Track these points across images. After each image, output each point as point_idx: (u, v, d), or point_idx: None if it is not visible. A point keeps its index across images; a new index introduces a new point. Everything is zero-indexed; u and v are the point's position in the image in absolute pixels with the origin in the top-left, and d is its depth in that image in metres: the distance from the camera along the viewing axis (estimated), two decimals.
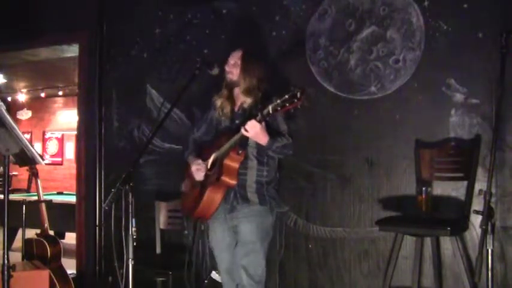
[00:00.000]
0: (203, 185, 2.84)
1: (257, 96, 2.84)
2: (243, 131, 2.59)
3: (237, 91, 2.93)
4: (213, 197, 2.77)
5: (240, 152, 2.73)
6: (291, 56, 3.46)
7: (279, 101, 2.44)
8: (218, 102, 2.96)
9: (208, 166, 2.85)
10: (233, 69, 2.90)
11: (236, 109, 2.93)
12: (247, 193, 2.81)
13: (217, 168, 2.76)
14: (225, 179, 2.72)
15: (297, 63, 3.43)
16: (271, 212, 2.86)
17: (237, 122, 2.87)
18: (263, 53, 3.47)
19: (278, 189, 2.94)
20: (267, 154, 2.80)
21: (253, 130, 2.58)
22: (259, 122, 2.56)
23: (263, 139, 2.66)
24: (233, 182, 2.74)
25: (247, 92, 2.85)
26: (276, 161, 2.90)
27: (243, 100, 2.89)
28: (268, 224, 2.85)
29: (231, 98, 2.94)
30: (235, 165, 2.73)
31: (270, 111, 2.50)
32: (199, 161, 2.91)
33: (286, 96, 2.42)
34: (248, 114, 2.79)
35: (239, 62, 2.88)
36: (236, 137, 2.67)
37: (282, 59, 3.49)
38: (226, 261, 2.93)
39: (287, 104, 2.42)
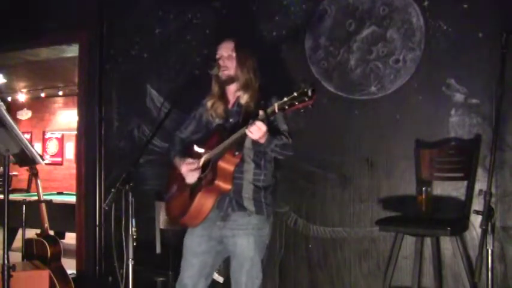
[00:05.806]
0: (192, 189, 2.58)
1: (254, 92, 2.60)
2: (248, 132, 2.31)
3: (231, 88, 2.67)
4: (204, 202, 2.52)
5: (237, 153, 2.49)
6: (291, 56, 3.47)
7: (286, 99, 2.18)
8: (209, 103, 2.70)
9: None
10: (228, 63, 2.63)
11: (230, 106, 2.68)
12: (243, 200, 2.55)
13: (211, 170, 2.50)
14: (219, 183, 2.46)
15: (297, 63, 3.43)
16: (267, 221, 2.62)
17: (231, 120, 2.64)
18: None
19: (275, 194, 2.73)
20: (265, 156, 2.58)
21: (259, 132, 2.31)
22: (263, 121, 2.28)
23: (263, 138, 2.38)
24: (228, 186, 2.48)
25: (245, 87, 2.60)
26: (273, 164, 2.67)
27: (239, 96, 2.63)
28: (265, 235, 2.61)
29: (223, 97, 2.69)
30: (231, 168, 2.48)
31: (276, 110, 2.22)
32: (191, 160, 2.62)
33: (295, 94, 2.15)
34: (244, 112, 2.57)
35: (233, 55, 2.63)
36: (234, 137, 2.42)
37: (282, 59, 3.49)
38: (195, 268, 2.63)
39: (296, 103, 2.15)
